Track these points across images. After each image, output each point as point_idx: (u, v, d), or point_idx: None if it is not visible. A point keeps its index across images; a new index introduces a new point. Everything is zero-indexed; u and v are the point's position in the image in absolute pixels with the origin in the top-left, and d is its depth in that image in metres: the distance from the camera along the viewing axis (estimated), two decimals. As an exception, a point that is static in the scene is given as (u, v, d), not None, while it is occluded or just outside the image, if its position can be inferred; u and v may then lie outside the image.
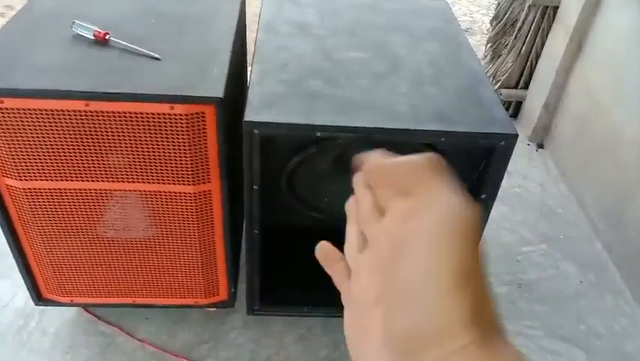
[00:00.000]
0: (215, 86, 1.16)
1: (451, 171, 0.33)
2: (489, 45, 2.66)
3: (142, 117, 1.14)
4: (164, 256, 1.43)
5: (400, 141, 1.21)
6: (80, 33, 1.27)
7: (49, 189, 1.26)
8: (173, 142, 1.18)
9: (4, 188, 1.28)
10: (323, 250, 0.41)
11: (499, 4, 2.56)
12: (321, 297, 1.55)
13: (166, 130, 1.16)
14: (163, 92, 1.12)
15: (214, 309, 1.66)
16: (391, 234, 0.33)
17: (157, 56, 1.22)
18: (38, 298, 1.53)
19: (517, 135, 1.18)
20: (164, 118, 1.14)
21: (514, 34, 2.49)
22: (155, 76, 1.18)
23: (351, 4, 1.66)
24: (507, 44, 2.54)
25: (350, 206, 0.39)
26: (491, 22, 2.63)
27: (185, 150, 1.19)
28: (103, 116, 1.13)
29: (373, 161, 0.36)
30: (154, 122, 1.14)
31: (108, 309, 1.65)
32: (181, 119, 1.14)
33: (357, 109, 1.20)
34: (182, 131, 1.16)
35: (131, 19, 1.38)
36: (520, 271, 1.91)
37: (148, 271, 1.46)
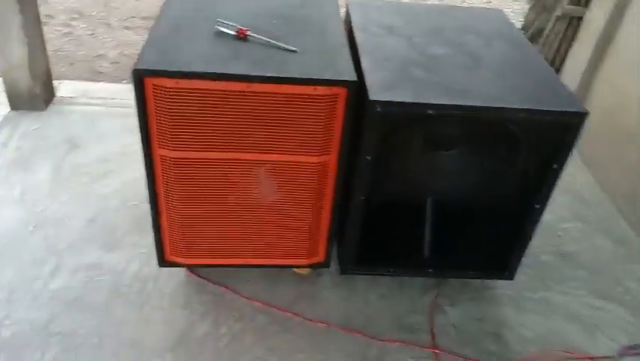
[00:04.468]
0: (348, 72, 1.42)
1: None
2: (516, 52, 2.96)
3: (290, 97, 1.39)
4: (280, 220, 1.67)
5: (493, 119, 1.49)
6: (223, 30, 1.53)
7: (196, 158, 1.51)
8: (311, 119, 1.44)
9: (157, 158, 1.51)
10: None
11: (526, 15, 2.88)
12: (404, 260, 1.81)
13: (307, 108, 1.42)
14: (309, 76, 1.38)
15: (305, 272, 1.90)
16: None
17: (294, 48, 1.48)
18: (162, 260, 1.76)
19: (588, 113, 1.46)
20: (308, 98, 1.40)
21: (541, 43, 2.80)
22: (296, 64, 1.44)
23: (426, 10, 1.95)
24: (533, 51, 2.85)
25: None
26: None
27: (319, 125, 1.45)
28: (258, 96, 1.39)
29: None
30: (299, 101, 1.40)
31: (211, 273, 1.88)
32: (322, 99, 1.40)
33: (458, 93, 1.48)
34: (321, 109, 1.42)
35: (256, 20, 1.63)
36: (563, 243, 2.19)
37: (264, 234, 1.71)
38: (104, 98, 2.80)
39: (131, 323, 1.73)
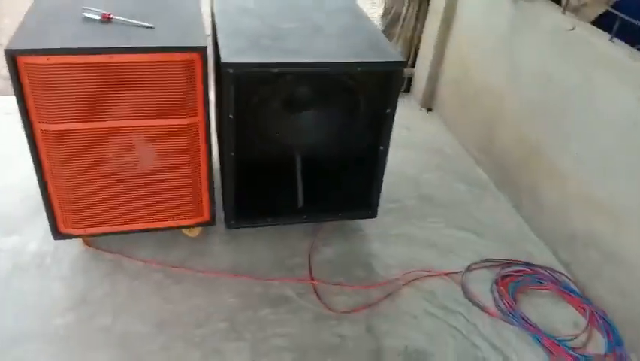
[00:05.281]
0: (200, 41, 1.67)
1: None
2: (382, 36, 3.33)
3: (151, 65, 1.61)
4: (162, 183, 1.88)
5: (328, 73, 1.78)
6: (89, 15, 1.73)
7: (74, 130, 1.69)
8: (173, 83, 1.66)
9: (39, 132, 1.68)
10: None
11: (385, 2, 3.25)
12: (281, 210, 2.06)
13: (168, 74, 1.64)
14: (165, 45, 1.61)
15: (195, 233, 2.11)
16: None
17: (151, 25, 1.71)
18: (56, 233, 1.91)
19: (405, 62, 1.79)
20: (167, 64, 1.63)
21: (399, 26, 3.18)
22: (154, 37, 1.66)
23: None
24: (395, 34, 3.22)
25: None
26: (381, 18, 3.31)
27: (181, 89, 1.68)
28: (123, 66, 1.60)
29: None
30: (160, 68, 1.63)
31: (106, 243, 2.05)
32: (180, 64, 1.63)
33: (299, 53, 1.76)
34: (180, 74, 1.65)
35: (120, 7, 1.84)
36: (424, 189, 2.53)
37: (148, 198, 1.90)
38: (-5, 106, 2.88)
39: (31, 292, 1.86)
